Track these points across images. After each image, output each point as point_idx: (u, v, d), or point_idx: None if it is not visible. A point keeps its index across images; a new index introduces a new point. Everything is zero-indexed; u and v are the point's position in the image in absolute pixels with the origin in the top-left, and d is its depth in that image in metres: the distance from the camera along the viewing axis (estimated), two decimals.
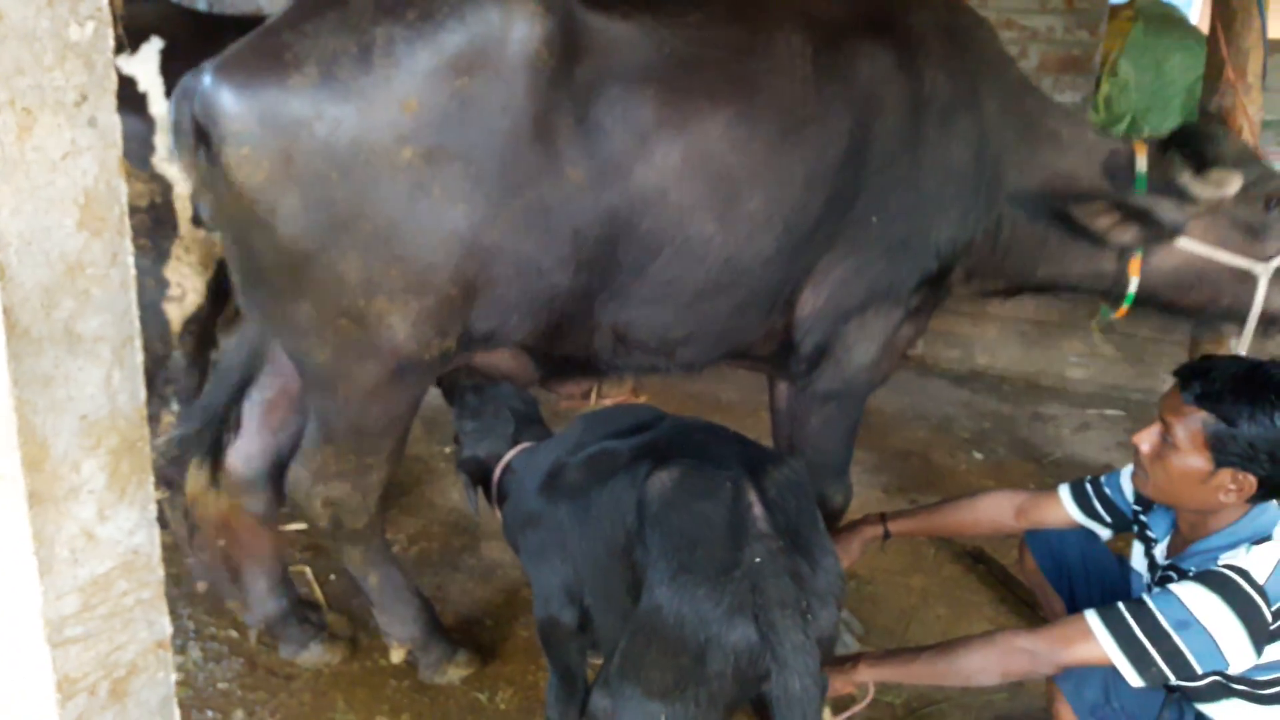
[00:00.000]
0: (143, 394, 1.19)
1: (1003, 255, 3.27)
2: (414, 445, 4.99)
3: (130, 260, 1.14)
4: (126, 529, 1.19)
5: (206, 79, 2.46)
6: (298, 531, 3.97)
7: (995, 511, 2.90)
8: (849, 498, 3.47)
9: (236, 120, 2.41)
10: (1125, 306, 3.30)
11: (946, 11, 3.16)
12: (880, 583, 3.94)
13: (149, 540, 1.22)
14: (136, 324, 1.16)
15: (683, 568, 1.92)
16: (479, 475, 2.84)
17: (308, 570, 3.85)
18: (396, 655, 3.28)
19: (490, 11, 2.44)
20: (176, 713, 1.29)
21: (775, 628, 1.87)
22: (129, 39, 3.02)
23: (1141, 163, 3.14)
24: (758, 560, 1.89)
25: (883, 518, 3.11)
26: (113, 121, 1.10)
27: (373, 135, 2.40)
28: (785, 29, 2.85)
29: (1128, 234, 3.02)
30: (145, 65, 2.97)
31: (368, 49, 2.41)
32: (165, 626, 1.26)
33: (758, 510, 1.96)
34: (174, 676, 1.29)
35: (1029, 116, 3.20)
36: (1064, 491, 2.81)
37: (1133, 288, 3.22)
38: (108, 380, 1.14)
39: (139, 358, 1.17)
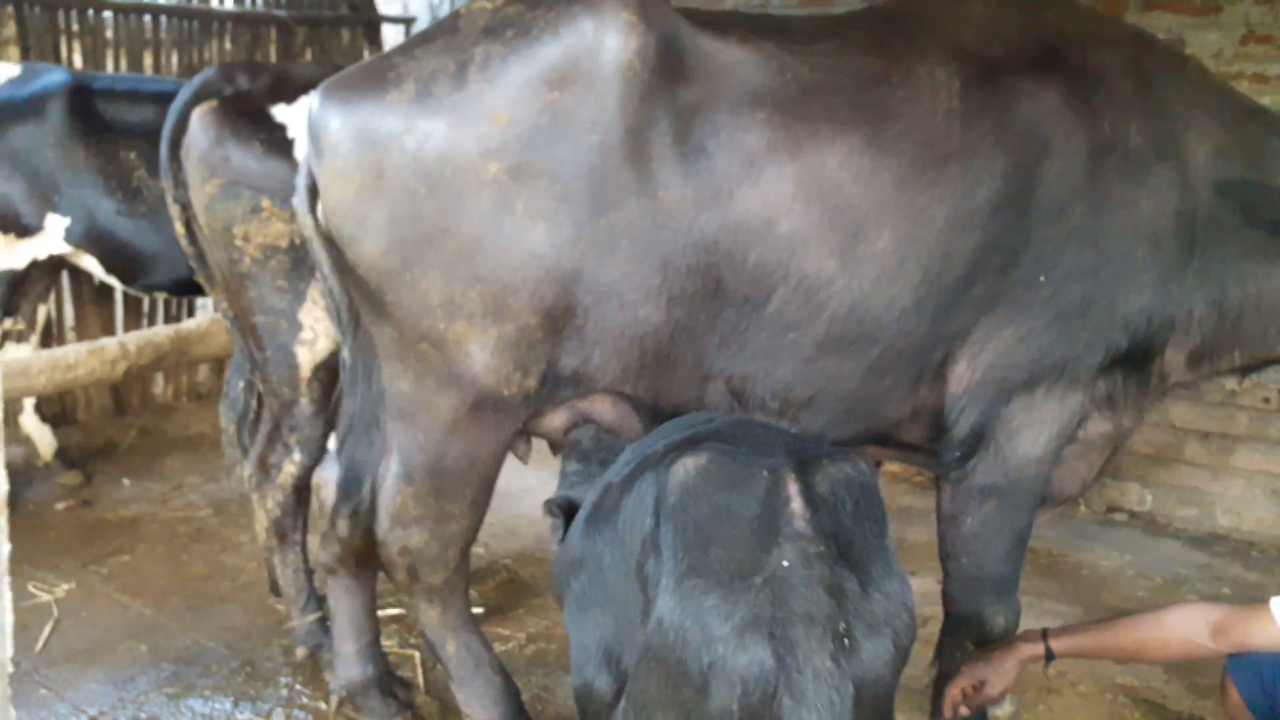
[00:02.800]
0: None
1: (1235, 321, 2.79)
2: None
3: None
4: None
5: (315, 98, 2.51)
6: None
7: (1186, 628, 2.29)
8: (1014, 621, 2.89)
9: (333, 134, 2.44)
10: None
11: (1138, 51, 2.80)
12: None
13: None
14: None
15: (692, 570, 1.53)
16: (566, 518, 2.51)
17: (417, 655, 3.63)
18: None
19: (584, 23, 2.38)
20: (7, 595, 1.06)
21: (794, 648, 1.44)
22: (290, 93, 3.19)
23: None
24: (784, 564, 1.48)
25: (1044, 634, 2.55)
26: None
27: (459, 149, 2.36)
28: (929, 61, 2.60)
29: None
30: (297, 114, 3.10)
31: (464, 66, 2.41)
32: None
33: (796, 505, 1.56)
34: (7, 549, 1.05)
35: (1255, 145, 2.76)
36: (1278, 605, 2.19)
37: None
38: None
39: None
